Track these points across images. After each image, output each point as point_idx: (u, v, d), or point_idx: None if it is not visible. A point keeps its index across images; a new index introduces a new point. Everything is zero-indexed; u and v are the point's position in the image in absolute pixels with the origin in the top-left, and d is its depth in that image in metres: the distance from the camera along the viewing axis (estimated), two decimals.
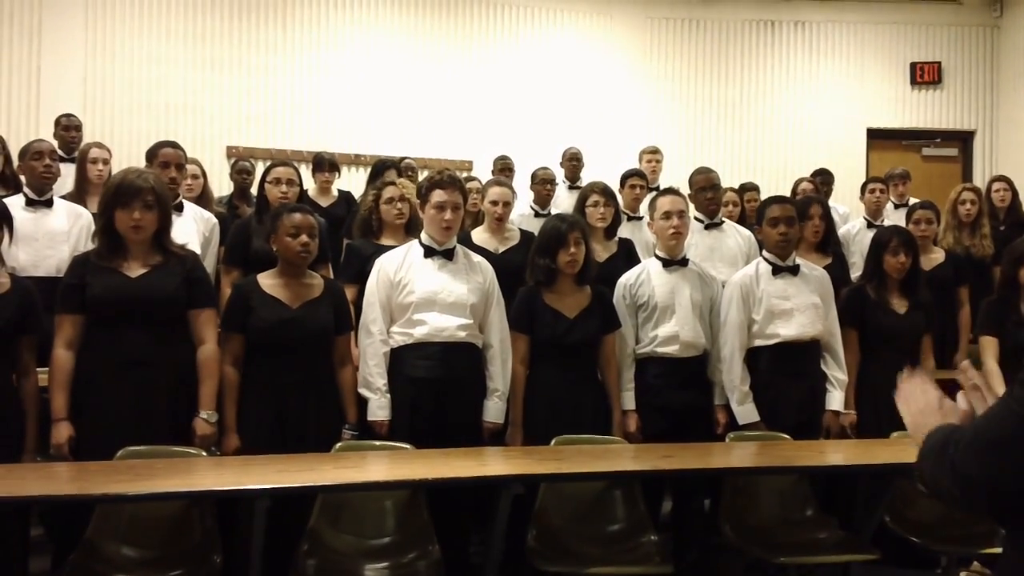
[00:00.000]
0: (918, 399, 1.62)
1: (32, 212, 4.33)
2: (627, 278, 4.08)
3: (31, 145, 4.56)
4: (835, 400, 4.03)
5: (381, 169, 5.53)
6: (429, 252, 3.72)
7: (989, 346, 4.26)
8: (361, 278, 4.05)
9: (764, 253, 4.17)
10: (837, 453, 3.76)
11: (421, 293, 3.64)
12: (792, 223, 4.09)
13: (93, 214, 4.44)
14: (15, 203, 4.24)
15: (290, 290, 3.52)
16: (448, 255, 3.73)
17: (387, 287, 3.68)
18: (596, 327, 3.87)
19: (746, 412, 3.92)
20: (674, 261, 4.05)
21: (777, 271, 4.07)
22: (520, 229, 4.67)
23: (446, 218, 3.69)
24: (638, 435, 3.86)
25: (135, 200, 3.24)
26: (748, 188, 6.72)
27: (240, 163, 6.55)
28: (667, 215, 4.03)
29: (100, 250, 3.32)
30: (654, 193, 4.67)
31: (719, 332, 4.03)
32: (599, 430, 3.75)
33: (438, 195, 3.70)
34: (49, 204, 4.40)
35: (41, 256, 4.24)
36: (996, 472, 1.36)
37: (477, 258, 3.87)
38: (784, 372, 3.98)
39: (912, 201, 6.08)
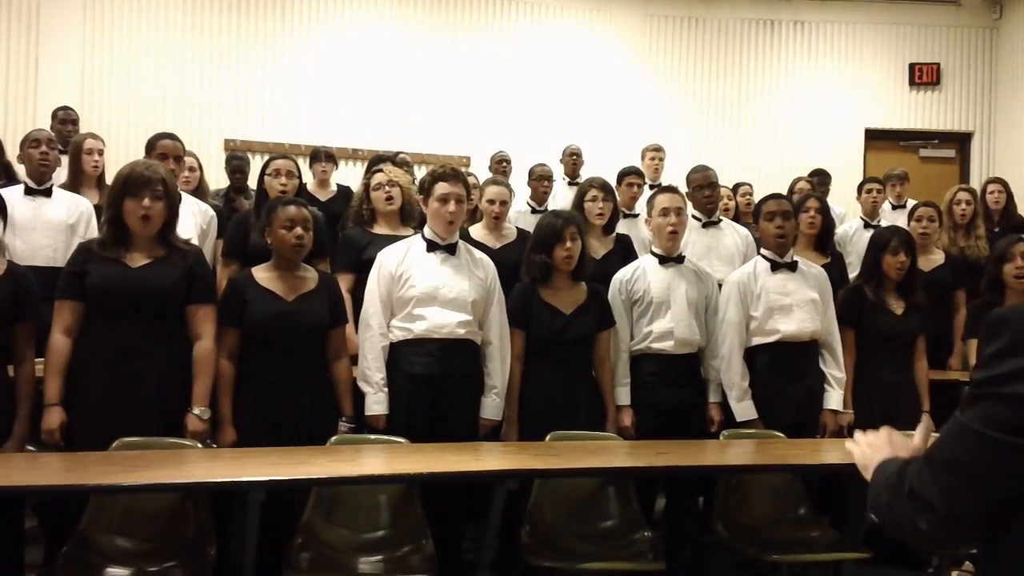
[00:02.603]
0: (870, 438, 1.61)
1: (31, 201, 4.34)
2: (623, 274, 4.09)
3: (29, 133, 4.63)
4: (833, 399, 4.04)
5: (377, 163, 5.52)
6: (432, 246, 3.71)
7: (976, 350, 4.24)
8: (355, 267, 4.05)
9: (762, 251, 4.18)
10: (830, 452, 3.76)
11: (422, 288, 3.62)
12: (788, 217, 4.10)
13: (94, 205, 4.46)
14: (15, 192, 4.25)
15: (285, 283, 3.52)
16: (451, 250, 3.72)
17: (388, 281, 3.67)
18: (592, 323, 3.87)
19: (744, 409, 3.93)
20: (670, 258, 4.07)
21: (776, 267, 4.08)
22: (517, 227, 4.68)
23: (450, 210, 3.67)
24: (633, 430, 3.87)
25: (144, 189, 3.25)
26: (741, 184, 6.73)
27: (235, 162, 6.46)
28: (665, 212, 4.04)
29: (104, 240, 3.33)
30: (654, 190, 4.67)
31: (715, 330, 4.05)
32: (594, 426, 3.75)
33: (441, 188, 3.68)
34: (48, 193, 4.41)
35: (39, 245, 4.24)
36: (956, 495, 1.30)
37: (479, 254, 3.85)
38: (782, 372, 3.99)
39: (910, 202, 6.09)
